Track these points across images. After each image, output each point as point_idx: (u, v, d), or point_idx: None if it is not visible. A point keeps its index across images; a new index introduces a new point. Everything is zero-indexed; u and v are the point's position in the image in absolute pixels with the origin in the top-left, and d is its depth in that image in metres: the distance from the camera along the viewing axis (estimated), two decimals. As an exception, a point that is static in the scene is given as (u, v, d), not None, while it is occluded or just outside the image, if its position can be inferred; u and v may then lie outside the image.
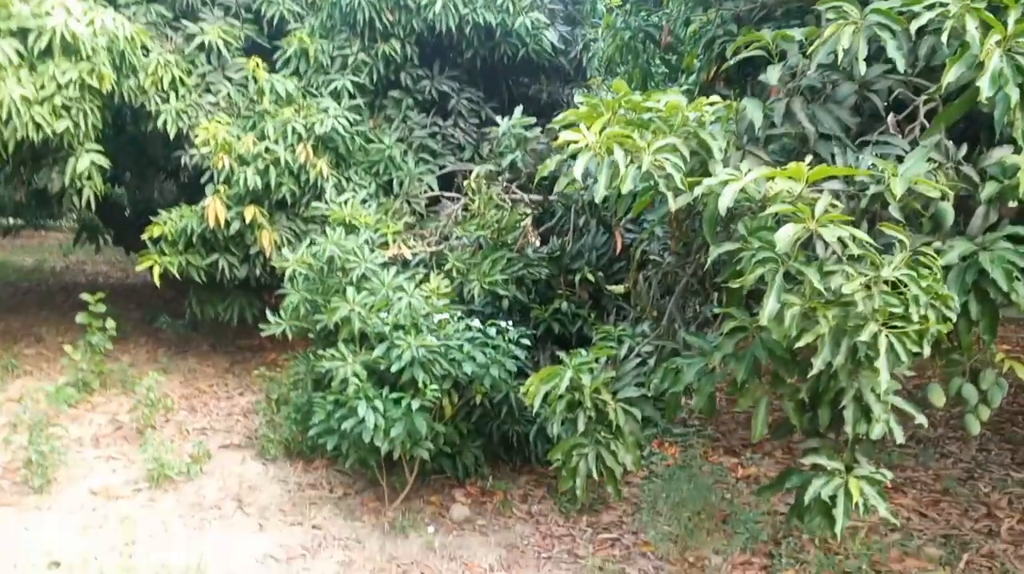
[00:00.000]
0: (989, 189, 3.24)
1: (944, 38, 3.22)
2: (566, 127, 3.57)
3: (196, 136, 7.94)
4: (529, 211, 6.21)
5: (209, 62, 8.43)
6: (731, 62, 4.45)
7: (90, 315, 7.96)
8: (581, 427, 3.90)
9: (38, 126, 7.36)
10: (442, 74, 8.66)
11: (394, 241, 6.05)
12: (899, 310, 2.90)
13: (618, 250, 5.95)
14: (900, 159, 3.32)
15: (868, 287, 2.92)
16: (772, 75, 3.76)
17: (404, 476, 5.67)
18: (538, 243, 6.42)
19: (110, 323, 7.92)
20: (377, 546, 5.24)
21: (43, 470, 5.87)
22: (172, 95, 8.23)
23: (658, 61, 7.69)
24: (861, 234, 2.95)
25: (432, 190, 7.50)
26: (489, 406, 5.96)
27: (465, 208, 6.38)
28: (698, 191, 3.28)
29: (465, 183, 6.51)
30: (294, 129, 7.82)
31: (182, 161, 8.47)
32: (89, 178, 7.91)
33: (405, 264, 6.12)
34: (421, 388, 5.10)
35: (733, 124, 3.72)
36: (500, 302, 6.07)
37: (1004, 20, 3.17)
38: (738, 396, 3.57)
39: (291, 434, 6.50)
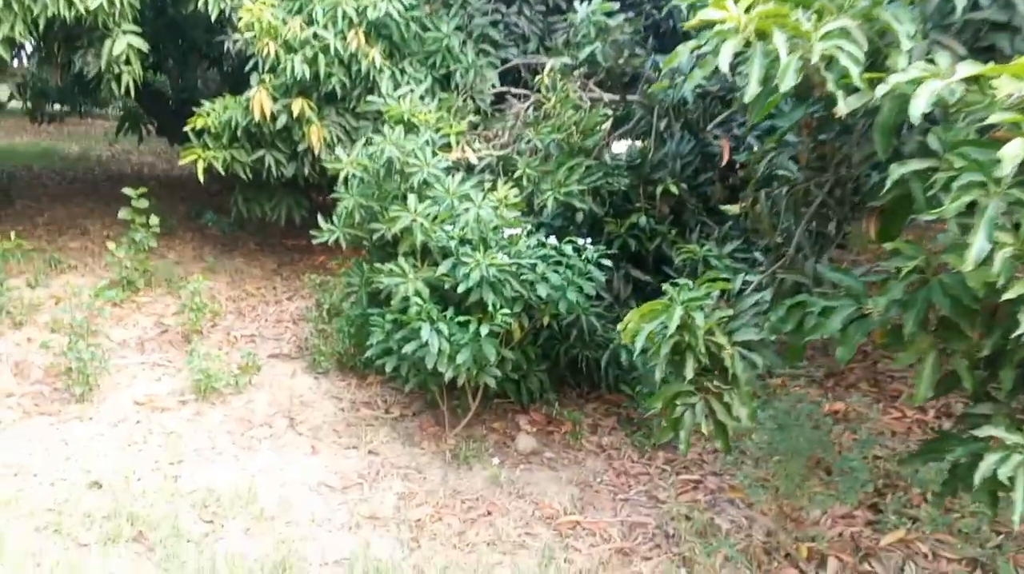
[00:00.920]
0: None
1: None
2: (701, 4, 2.75)
3: (239, 19, 7.13)
4: (610, 112, 5.39)
5: (253, -64, 7.51)
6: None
7: (133, 211, 7.39)
8: (690, 374, 3.23)
9: (70, 2, 6.60)
10: (507, -46, 7.66)
11: (457, 143, 5.30)
12: None
13: (724, 160, 5.15)
14: None
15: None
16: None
17: (466, 400, 5.10)
18: (617, 149, 5.63)
19: (153, 220, 7.35)
20: (439, 477, 4.71)
21: (84, 378, 5.39)
22: (214, -27, 7.38)
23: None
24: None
25: (495, 86, 6.65)
26: (558, 328, 5.33)
27: (536, 107, 5.58)
28: (881, 91, 2.48)
29: (536, 79, 5.68)
30: (345, 13, 6.96)
31: (225, 47, 7.68)
32: (127, 62, 7.20)
33: (469, 169, 5.39)
34: (491, 311, 4.45)
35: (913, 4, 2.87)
36: (573, 215, 5.35)
37: None
38: (898, 349, 2.87)
39: (344, 348, 5.95)
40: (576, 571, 3.93)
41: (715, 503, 4.51)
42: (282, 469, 4.75)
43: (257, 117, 6.97)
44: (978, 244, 2.26)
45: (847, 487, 4.39)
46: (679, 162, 5.75)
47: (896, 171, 2.69)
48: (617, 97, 5.97)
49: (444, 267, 4.57)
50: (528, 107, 5.84)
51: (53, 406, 5.32)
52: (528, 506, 4.48)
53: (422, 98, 5.56)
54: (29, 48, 10.11)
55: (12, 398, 5.35)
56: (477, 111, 6.17)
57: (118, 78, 7.27)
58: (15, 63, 11.25)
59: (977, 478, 2.72)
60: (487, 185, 5.21)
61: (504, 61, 7.38)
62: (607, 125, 5.26)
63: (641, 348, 3.25)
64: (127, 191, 7.30)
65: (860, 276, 3.03)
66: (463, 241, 4.63)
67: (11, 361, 5.77)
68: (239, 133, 7.19)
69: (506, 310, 4.45)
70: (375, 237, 5.06)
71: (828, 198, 3.53)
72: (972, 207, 2.30)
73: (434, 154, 5.08)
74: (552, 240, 4.71)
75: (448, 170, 5.14)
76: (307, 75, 6.90)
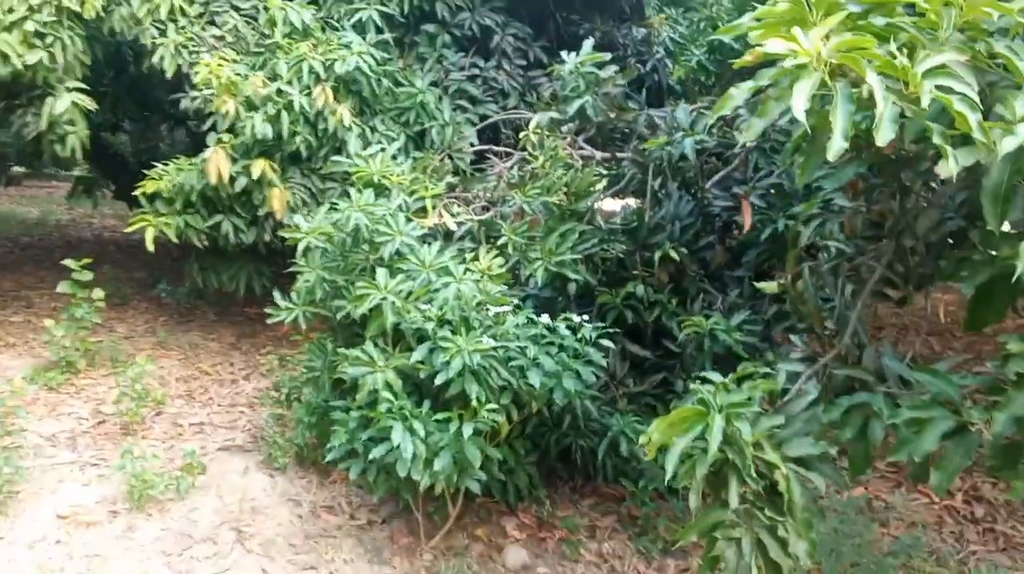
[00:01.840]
0: None
1: None
2: (764, 33, 2.07)
3: (197, 74, 6.45)
4: (604, 172, 4.73)
5: (213, -12, 6.91)
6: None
7: (74, 284, 6.56)
8: (734, 502, 2.49)
9: (5, 56, 5.90)
10: (484, 5, 7.07)
11: (434, 207, 4.59)
12: None
13: (747, 225, 4.48)
14: None
15: None
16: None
17: (445, 505, 4.29)
18: (607, 206, 4.96)
19: (98, 293, 6.53)
20: (413, 604, 3.89)
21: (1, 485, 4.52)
22: (171, 26, 6.74)
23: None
24: None
25: (474, 144, 5.99)
26: (548, 415, 4.56)
27: (521, 166, 4.90)
28: (1009, 145, 1.81)
29: (521, 135, 5.02)
30: (311, 68, 6.32)
31: (182, 105, 6.99)
32: (71, 123, 6.46)
33: (447, 236, 4.67)
34: (475, 406, 3.69)
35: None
36: (564, 286, 4.63)
37: None
38: (1012, 476, 2.15)
39: (304, 439, 5.12)
40: None
41: (745, 633, 3.71)
42: (226, 596, 3.91)
43: (213, 180, 6.24)
44: None
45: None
46: (678, 224, 5.08)
47: (1005, 245, 2.00)
48: (607, 155, 5.32)
49: (419, 353, 3.81)
50: (512, 166, 5.17)
51: (-41, 519, 4.44)
52: (522, 641, 3.66)
53: (394, 157, 4.88)
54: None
55: (-90, 510, 4.47)
56: (455, 171, 5.50)
57: (62, 139, 6.53)
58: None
59: None
60: (468, 254, 4.49)
61: (483, 118, 6.75)
62: (601, 186, 4.58)
63: (673, 468, 2.49)
64: (68, 263, 6.49)
65: (954, 379, 2.32)
66: (441, 322, 3.88)
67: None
68: (194, 197, 6.45)
69: (492, 405, 3.69)
70: (340, 316, 4.30)
71: (889, 273, 2.84)
72: None
73: (408, 220, 4.36)
74: (545, 318, 3.98)
75: (424, 238, 4.42)
76: (269, 134, 6.23)
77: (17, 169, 13.41)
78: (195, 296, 8.27)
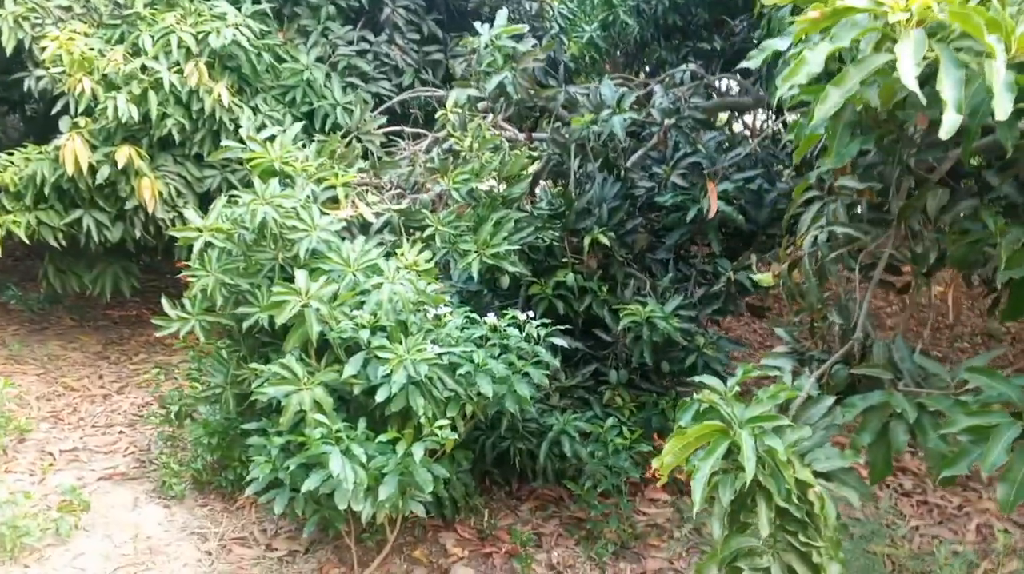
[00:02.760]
0: None
1: None
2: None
3: (43, 50, 5.53)
4: (536, 154, 4.30)
5: (55, -51, 5.95)
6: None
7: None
8: (766, 530, 2.15)
9: None
10: (371, -25, 6.45)
11: (347, 196, 4.02)
12: None
13: (712, 211, 4.17)
14: None
15: None
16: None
17: (379, 529, 3.80)
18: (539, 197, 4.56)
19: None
20: (356, 648, 3.38)
21: None
22: (6, -6, 5.75)
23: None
24: None
25: (384, 125, 5.39)
26: (482, 418, 4.13)
27: (440, 149, 4.39)
28: None
29: (438, 115, 4.50)
30: (181, 41, 5.53)
31: (26, 85, 6.00)
32: None
33: (364, 229, 4.11)
34: (422, 422, 3.21)
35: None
36: (495, 279, 4.19)
37: None
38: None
39: (204, 463, 4.46)
40: None
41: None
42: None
43: (71, 170, 5.37)
44: None
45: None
46: (605, 208, 4.73)
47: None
48: (523, 135, 4.90)
49: (352, 366, 3.28)
50: (428, 149, 4.66)
51: None
52: None
53: (294, 141, 4.26)
54: None
55: None
56: (364, 155, 4.92)
57: None
58: None
59: None
60: (391, 247, 3.97)
61: (376, 96, 6.15)
62: (533, 168, 4.16)
63: (701, 494, 2.12)
64: None
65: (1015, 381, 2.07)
66: (375, 329, 3.36)
67: None
68: (47, 191, 5.54)
69: (442, 420, 3.22)
70: (246, 325, 3.68)
71: (895, 259, 2.58)
72: None
73: (321, 213, 3.78)
74: (490, 318, 3.53)
75: (342, 233, 3.85)
76: (135, 117, 5.41)
77: None
78: (50, 301, 7.24)
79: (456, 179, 3.93)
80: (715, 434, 2.20)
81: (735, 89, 6.98)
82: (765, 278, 3.02)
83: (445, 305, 3.52)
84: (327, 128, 5.85)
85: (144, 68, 5.55)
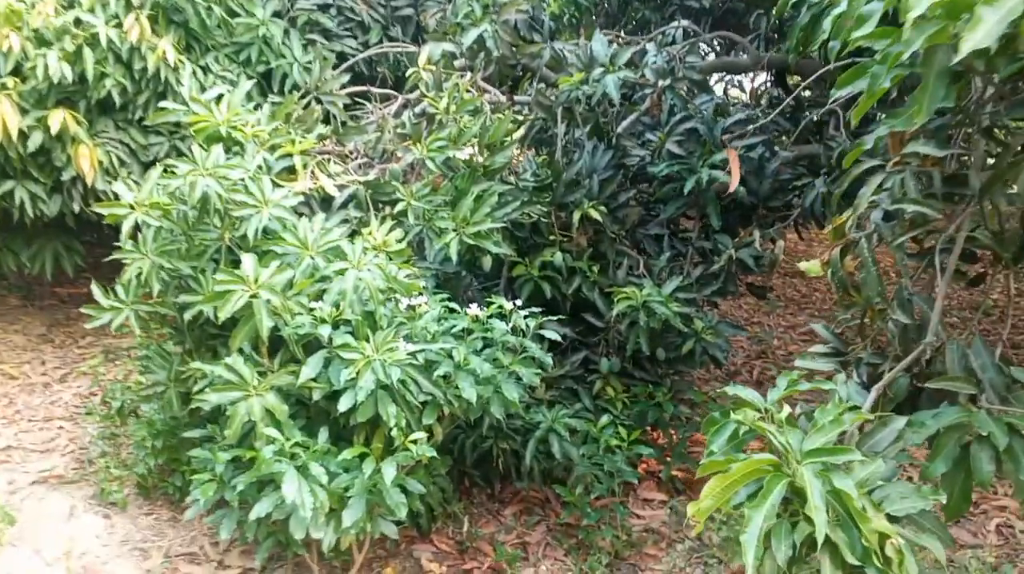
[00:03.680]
0: None
1: None
2: None
3: (-40, 0, 4.83)
4: (520, 118, 3.74)
5: None
6: None
7: None
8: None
9: None
10: (333, -80, 5.78)
11: (305, 166, 3.45)
12: None
13: (733, 184, 3.65)
14: None
15: None
16: None
17: (349, 549, 3.28)
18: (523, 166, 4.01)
19: None
20: None
21: None
22: (-84, -64, 5.01)
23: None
24: None
25: (346, 85, 4.78)
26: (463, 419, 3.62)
27: (416, 114, 3.81)
28: None
29: (409, 73, 3.91)
30: (119, -9, 4.86)
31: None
32: None
33: (325, 203, 3.54)
34: (391, 432, 2.69)
35: None
36: (478, 260, 3.65)
37: None
38: None
39: (148, 467, 3.91)
40: None
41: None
42: None
43: (-3, 136, 4.72)
44: None
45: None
46: (596, 179, 4.20)
47: None
48: (508, 97, 4.34)
49: (311, 367, 2.74)
50: (397, 112, 4.07)
51: None
52: None
53: (246, 102, 3.67)
54: None
55: None
56: (326, 119, 4.32)
57: None
58: None
59: None
60: (356, 225, 3.41)
61: (341, 56, 5.52)
62: (518, 134, 3.60)
63: (757, 562, 1.63)
64: None
65: None
66: (338, 323, 2.81)
67: None
68: (-29, 159, 4.88)
69: (417, 433, 2.70)
70: (188, 315, 3.11)
71: (971, 244, 2.08)
72: None
73: (275, 185, 3.20)
74: (474, 308, 3.00)
75: (298, 209, 3.28)
76: (68, 77, 4.76)
77: None
78: (-11, 280, 6.58)
79: (431, 146, 3.37)
80: (767, 472, 1.70)
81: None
82: (812, 266, 2.51)
83: (420, 293, 2.98)
84: (287, 89, 5.23)
85: (78, 22, 4.89)
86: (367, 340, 2.76)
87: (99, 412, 4.52)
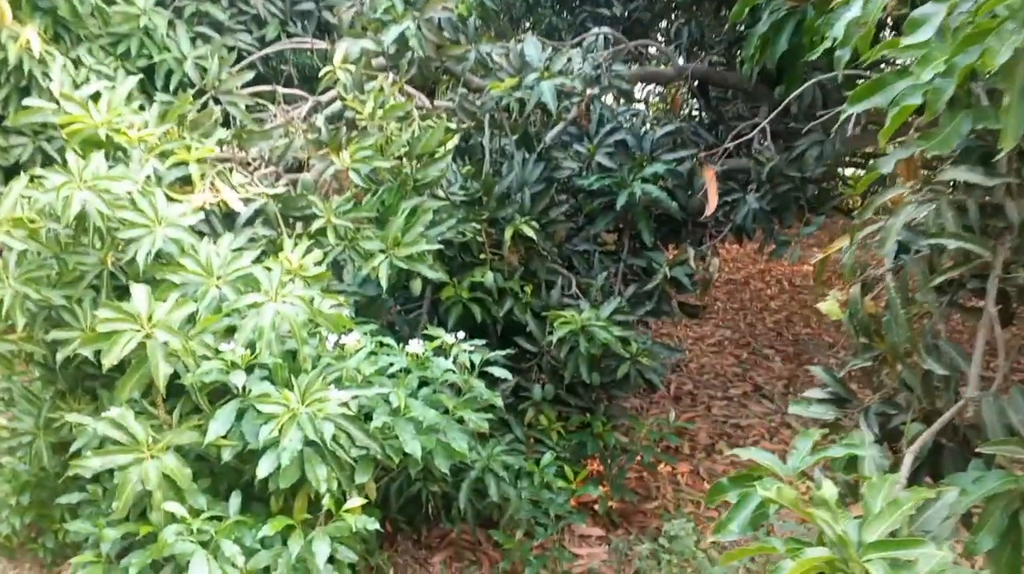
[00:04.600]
0: None
1: None
2: None
3: None
4: (454, 125, 3.32)
5: None
6: None
7: None
8: None
9: None
10: (225, -99, 5.16)
11: (203, 176, 2.91)
12: None
13: (712, 205, 3.32)
14: None
15: None
16: None
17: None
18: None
19: None
20: None
21: None
22: None
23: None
24: None
25: (249, 84, 4.19)
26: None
27: (330, 117, 3.33)
28: None
29: (323, 72, 3.42)
30: (-30, -32, 4.11)
31: None
32: None
33: (228, 221, 3.01)
34: (325, 502, 2.23)
35: None
36: (406, 283, 3.21)
37: None
38: None
39: (12, 526, 3.25)
40: None
41: None
42: None
43: None
44: None
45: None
46: (528, 193, 3.85)
47: None
48: (427, 103, 3.91)
49: (221, 423, 2.23)
50: (306, 115, 3.57)
51: None
52: None
53: (128, 101, 3.08)
54: None
55: None
56: (226, 122, 3.74)
57: None
58: None
59: None
60: (266, 245, 2.91)
61: (235, 52, 4.92)
62: (452, 144, 3.19)
63: None
64: None
65: None
66: (253, 367, 2.32)
67: None
68: None
69: (355, 499, 2.25)
70: (60, 355, 2.54)
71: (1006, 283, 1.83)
72: None
73: (169, 200, 2.66)
74: (416, 344, 2.57)
75: (198, 227, 2.74)
76: (-95, 65, 3.99)
77: None
78: None
79: (355, 156, 2.90)
80: (827, 569, 1.38)
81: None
82: (831, 308, 2.20)
83: (350, 329, 2.53)
84: (172, 88, 4.60)
85: (-80, 2, 4.11)
86: (289, 387, 2.28)
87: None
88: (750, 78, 4.06)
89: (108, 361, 2.18)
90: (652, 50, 5.91)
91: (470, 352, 2.70)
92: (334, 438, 2.22)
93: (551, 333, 3.64)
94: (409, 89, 3.51)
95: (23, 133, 4.46)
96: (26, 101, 3.30)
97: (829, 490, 1.48)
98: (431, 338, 2.70)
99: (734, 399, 5.70)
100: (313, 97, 3.67)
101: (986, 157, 1.73)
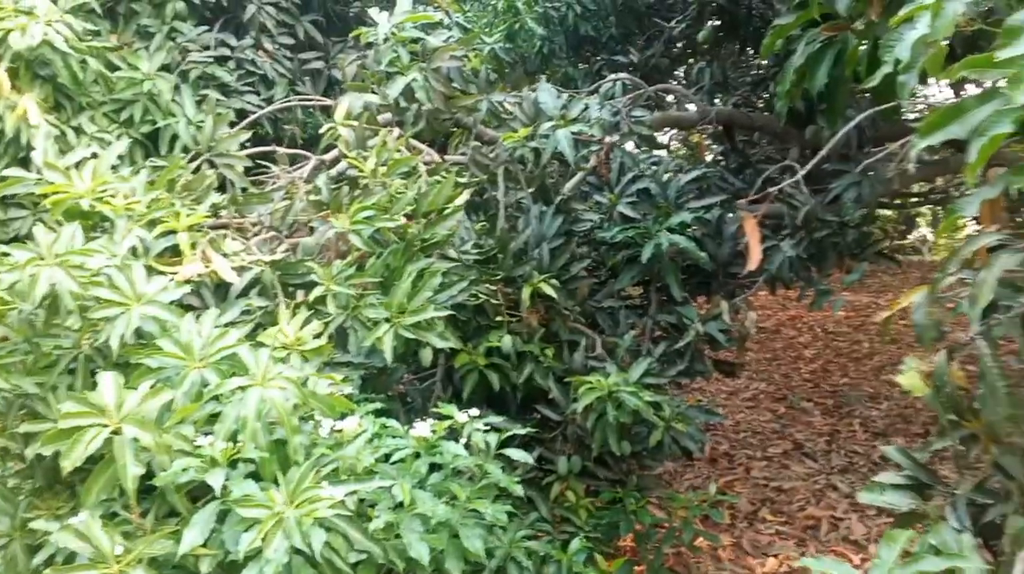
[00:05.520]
0: None
1: None
2: None
3: None
4: (463, 180, 3.06)
5: None
6: None
7: None
8: None
9: None
10: (229, -35, 5.06)
11: (194, 246, 2.67)
12: None
13: (755, 260, 3.02)
14: None
15: None
16: None
17: None
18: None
19: None
20: None
21: None
22: None
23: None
24: None
25: (247, 145, 3.98)
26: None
27: (333, 177, 3.09)
28: None
29: (324, 130, 3.20)
30: (-32, 39, 3.99)
31: None
32: None
33: (220, 291, 2.75)
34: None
35: None
36: (416, 351, 2.91)
37: None
38: None
39: (-10, 635, 2.94)
40: None
41: None
42: None
43: None
44: None
45: None
46: (546, 249, 3.56)
47: None
48: (436, 157, 3.66)
49: (198, 531, 1.92)
50: (309, 175, 3.33)
51: None
52: None
53: (116, 167, 2.87)
54: None
55: None
56: (222, 186, 3.50)
57: None
58: None
59: None
60: (262, 318, 2.63)
61: (241, 114, 4.75)
62: (462, 200, 2.92)
63: None
64: None
65: None
66: (236, 462, 2.02)
67: None
68: None
69: (353, 614, 1.92)
70: (30, 451, 2.26)
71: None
72: None
73: (151, 272, 2.41)
74: (421, 427, 2.26)
75: (183, 302, 2.47)
76: (-99, 139, 3.83)
77: None
78: None
79: (356, 216, 2.64)
80: None
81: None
82: (912, 381, 1.85)
83: (349, 412, 2.22)
84: (175, 152, 4.41)
85: (-84, 74, 3.98)
86: (277, 482, 1.97)
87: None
88: (781, 118, 3.78)
89: (68, 464, 1.89)
90: (670, 98, 5.67)
91: (485, 431, 2.38)
92: (328, 544, 1.90)
93: (576, 400, 3.32)
94: (417, 144, 3.27)
95: (23, 206, 4.28)
96: (6, 171, 3.08)
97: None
98: (442, 417, 2.38)
99: (774, 459, 5.29)
100: (316, 156, 3.43)
101: None
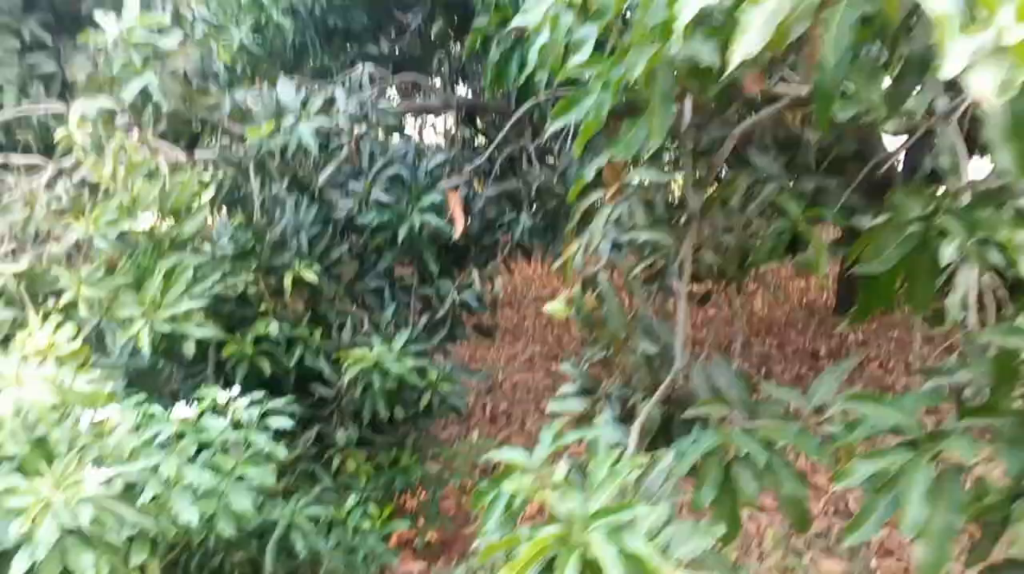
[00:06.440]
0: None
1: None
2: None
3: None
4: (206, 177, 3.25)
5: None
6: None
7: None
8: None
9: None
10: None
11: (-75, 262, 2.67)
12: None
13: (459, 230, 3.38)
14: None
15: None
16: None
17: None
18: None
19: None
20: None
21: None
22: None
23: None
24: None
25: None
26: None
27: (76, 184, 3.16)
28: None
29: (58, 136, 3.24)
30: None
31: None
32: None
33: (-38, 305, 2.78)
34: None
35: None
36: (176, 346, 3.10)
37: None
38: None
39: None
40: None
41: None
42: None
43: None
44: None
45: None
46: (304, 237, 3.84)
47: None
48: (184, 155, 3.81)
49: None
50: (49, 183, 3.36)
51: None
52: None
53: None
54: None
55: None
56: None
57: None
58: None
59: None
60: (12, 328, 2.72)
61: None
62: (208, 195, 3.13)
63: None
64: None
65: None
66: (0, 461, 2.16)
67: None
68: None
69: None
70: None
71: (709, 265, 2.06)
72: None
73: None
74: (180, 409, 2.49)
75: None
76: None
77: None
78: None
79: (99, 220, 2.78)
80: (557, 545, 1.49)
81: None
82: (558, 307, 2.35)
83: (110, 405, 2.41)
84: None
85: None
86: (42, 474, 2.14)
87: None
88: (508, 104, 4.28)
89: None
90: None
91: (247, 406, 2.65)
92: (98, 520, 2.10)
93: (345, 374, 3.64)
94: (161, 144, 3.41)
95: None
96: None
97: (560, 471, 1.61)
98: (202, 399, 2.62)
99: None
100: (53, 163, 3.46)
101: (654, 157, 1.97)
